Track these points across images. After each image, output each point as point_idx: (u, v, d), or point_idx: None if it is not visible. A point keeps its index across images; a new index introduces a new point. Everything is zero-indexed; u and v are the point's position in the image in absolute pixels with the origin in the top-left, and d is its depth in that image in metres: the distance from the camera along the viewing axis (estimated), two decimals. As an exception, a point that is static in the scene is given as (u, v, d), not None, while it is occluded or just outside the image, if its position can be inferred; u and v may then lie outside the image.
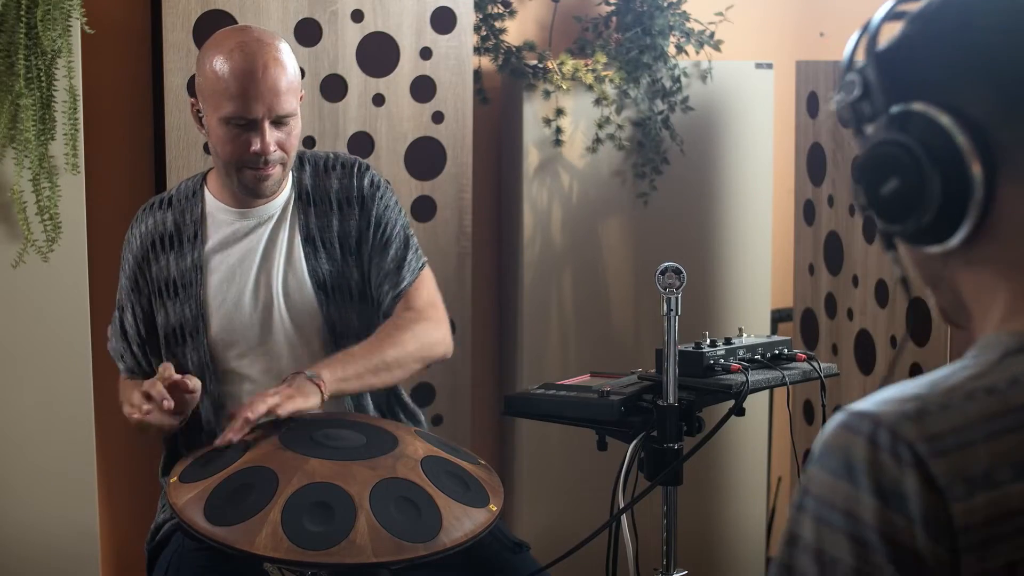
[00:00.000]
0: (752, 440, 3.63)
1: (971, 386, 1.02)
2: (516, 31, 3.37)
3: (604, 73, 3.29)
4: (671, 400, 2.14)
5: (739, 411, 2.17)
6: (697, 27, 3.45)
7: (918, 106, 1.08)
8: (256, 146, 2.24)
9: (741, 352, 2.30)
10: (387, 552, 1.87)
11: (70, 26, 2.59)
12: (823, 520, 1.00)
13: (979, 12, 1.09)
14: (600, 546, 2.16)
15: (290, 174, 2.38)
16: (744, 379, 2.19)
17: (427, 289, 2.44)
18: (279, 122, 2.25)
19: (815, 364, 2.33)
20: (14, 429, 2.69)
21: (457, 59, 3.15)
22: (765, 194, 3.60)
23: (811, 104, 3.41)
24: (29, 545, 2.71)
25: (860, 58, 1.16)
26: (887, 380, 1.11)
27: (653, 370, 2.29)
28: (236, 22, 2.88)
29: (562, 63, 3.24)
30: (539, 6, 3.44)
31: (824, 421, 2.22)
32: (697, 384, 2.22)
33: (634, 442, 2.16)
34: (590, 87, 3.28)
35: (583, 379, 2.43)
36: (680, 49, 3.43)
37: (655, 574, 2.24)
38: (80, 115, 2.62)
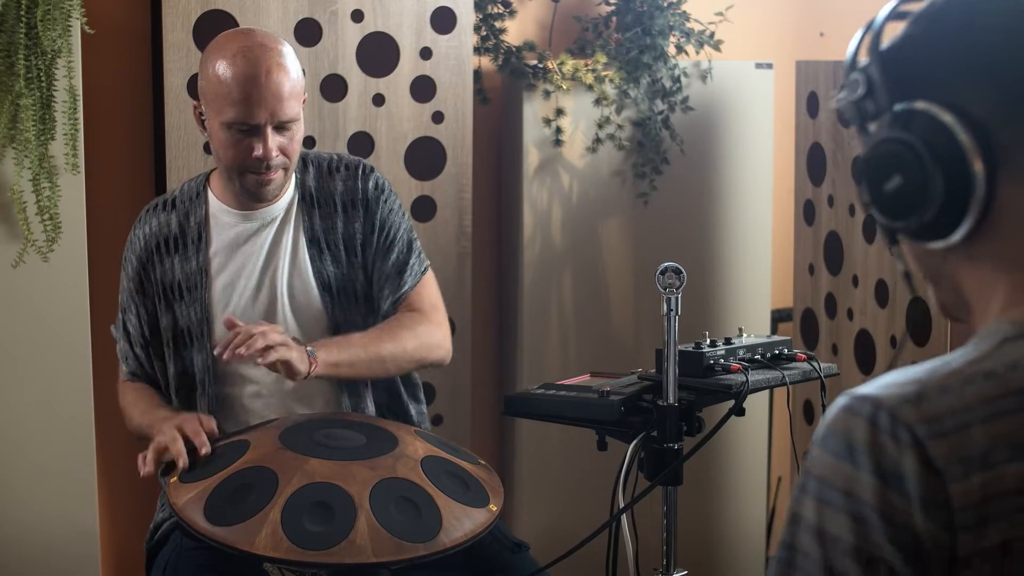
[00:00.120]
0: (752, 440, 3.63)
1: (970, 370, 1.04)
2: (516, 31, 3.37)
3: (604, 73, 3.29)
4: (671, 400, 2.14)
5: (739, 411, 2.17)
6: (697, 27, 3.45)
7: (921, 105, 1.10)
8: (258, 151, 2.23)
9: (741, 352, 2.30)
10: (387, 552, 1.87)
11: (70, 26, 2.59)
12: (824, 500, 1.03)
13: (981, 12, 1.10)
14: (600, 546, 2.16)
15: (293, 175, 2.38)
16: (744, 379, 2.19)
17: (429, 292, 2.44)
18: (281, 127, 2.25)
19: (815, 364, 2.33)
20: (14, 429, 2.69)
21: (457, 59, 3.15)
22: (765, 194, 3.60)
23: (811, 104, 3.41)
24: (29, 545, 2.71)
25: (863, 57, 1.16)
26: None
27: (653, 370, 2.29)
28: (236, 22, 2.88)
29: (562, 63, 3.24)
30: (539, 6, 3.44)
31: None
32: (697, 384, 2.22)
33: (634, 442, 2.16)
34: (590, 87, 3.28)
35: (583, 379, 2.43)
36: (680, 49, 3.43)
37: (655, 574, 2.24)
38: (80, 115, 2.62)
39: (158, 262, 2.37)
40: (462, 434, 3.21)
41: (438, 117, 3.15)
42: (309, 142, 3.00)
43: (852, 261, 3.27)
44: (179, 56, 2.87)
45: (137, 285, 2.38)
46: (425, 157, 3.15)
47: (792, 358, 2.35)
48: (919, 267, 1.19)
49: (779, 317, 3.78)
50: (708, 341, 2.30)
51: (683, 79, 3.41)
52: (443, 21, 3.12)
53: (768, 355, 2.33)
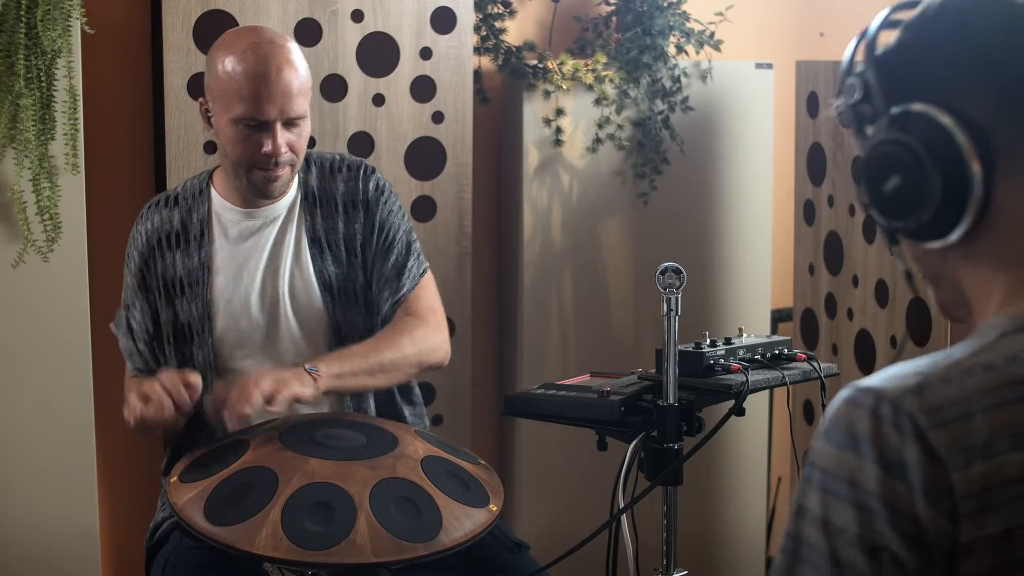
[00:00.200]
0: (752, 440, 3.63)
1: (970, 362, 1.06)
2: (516, 31, 3.37)
3: (604, 73, 3.29)
4: (671, 400, 2.14)
5: (739, 411, 2.17)
6: (697, 27, 3.45)
7: (919, 107, 1.11)
8: (267, 147, 2.24)
9: (741, 352, 2.30)
10: (387, 552, 1.87)
11: (70, 26, 2.59)
12: (828, 491, 1.05)
13: (978, 14, 1.12)
14: (600, 546, 2.16)
15: (296, 174, 2.38)
16: (744, 379, 2.19)
17: (427, 295, 2.44)
18: (290, 124, 2.25)
19: (815, 364, 2.33)
20: (14, 429, 2.69)
21: (457, 59, 3.15)
22: (765, 194, 3.60)
23: (811, 104, 3.41)
24: (29, 545, 2.71)
25: (860, 61, 1.17)
26: None
27: (653, 370, 2.29)
28: (236, 22, 2.88)
29: (562, 63, 3.24)
30: (539, 6, 3.44)
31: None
32: (697, 384, 2.22)
33: (634, 442, 2.16)
34: (590, 87, 3.28)
35: (583, 379, 2.43)
36: (680, 49, 3.43)
37: (655, 574, 2.24)
38: (80, 115, 2.62)
39: (160, 257, 2.37)
40: (462, 434, 3.21)
41: (438, 117, 3.15)
42: (309, 142, 3.00)
43: (852, 261, 3.27)
44: (179, 56, 2.87)
45: (140, 280, 2.38)
46: (425, 157, 3.15)
47: (792, 358, 2.35)
48: (918, 267, 1.21)
49: (779, 317, 3.78)
50: (708, 341, 2.30)
51: (683, 79, 3.41)
52: (443, 21, 3.12)
53: (768, 355, 2.33)
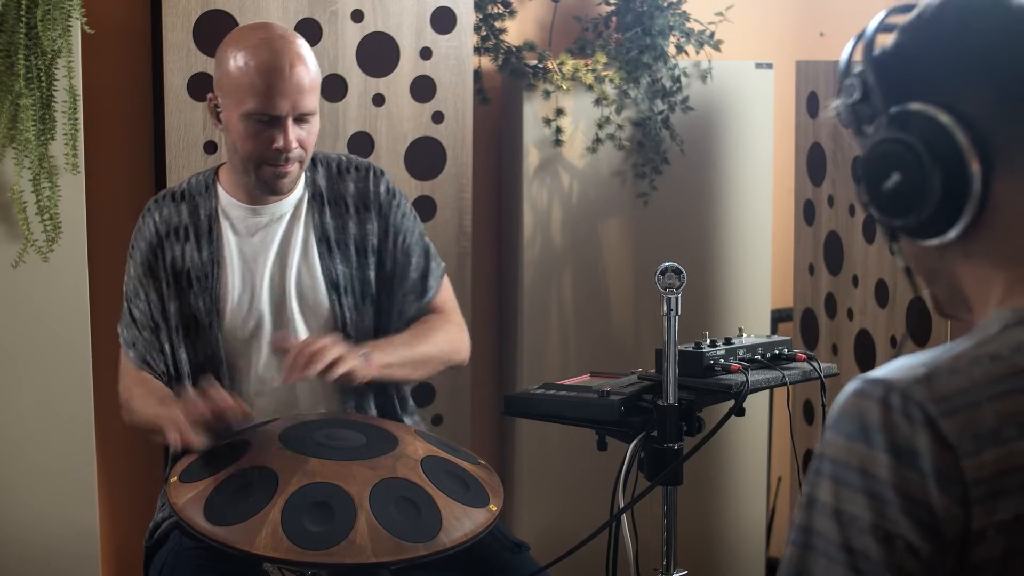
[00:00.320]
0: (752, 440, 3.63)
1: (976, 353, 1.07)
2: (516, 31, 3.37)
3: (604, 73, 3.29)
4: (671, 400, 2.14)
5: (739, 411, 2.16)
6: (697, 27, 3.45)
7: (918, 106, 1.12)
8: (279, 143, 2.24)
9: (741, 352, 2.30)
10: (387, 552, 1.87)
11: (70, 26, 2.59)
12: (840, 480, 1.06)
13: (977, 15, 1.13)
14: (600, 546, 2.16)
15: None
16: (744, 379, 2.19)
17: (450, 295, 2.53)
18: (301, 119, 2.25)
19: (815, 364, 2.33)
20: (14, 429, 2.69)
21: (457, 59, 3.15)
22: (765, 194, 3.60)
23: (811, 104, 3.41)
24: (29, 545, 2.71)
25: (857, 61, 1.18)
26: None
27: (653, 370, 2.29)
28: (236, 22, 2.88)
29: (562, 63, 3.24)
30: (539, 6, 3.44)
31: (824, 421, 2.23)
32: (697, 384, 2.22)
33: (634, 442, 2.16)
34: (590, 87, 3.28)
35: (583, 379, 2.43)
36: (680, 49, 3.43)
37: (655, 574, 2.24)
38: (80, 115, 2.62)
39: (168, 248, 2.35)
40: (462, 434, 3.21)
41: (438, 117, 3.15)
42: (309, 142, 3.00)
43: (852, 261, 3.27)
44: (179, 56, 2.87)
45: (146, 269, 2.35)
46: (425, 157, 3.15)
47: (792, 358, 2.35)
48: (915, 264, 1.22)
49: (779, 317, 3.78)
50: (708, 341, 2.30)
51: (683, 79, 3.41)
52: (443, 21, 3.12)
53: (768, 355, 2.33)
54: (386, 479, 1.98)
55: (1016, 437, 1.03)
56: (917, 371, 1.06)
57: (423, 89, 3.12)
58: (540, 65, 3.25)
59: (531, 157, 3.30)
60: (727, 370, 2.24)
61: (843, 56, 1.21)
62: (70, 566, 2.75)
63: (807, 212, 3.47)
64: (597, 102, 3.31)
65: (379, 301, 2.41)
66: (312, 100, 2.26)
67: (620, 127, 3.35)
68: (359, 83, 3.05)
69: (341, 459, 2.02)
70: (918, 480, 1.02)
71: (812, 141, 3.42)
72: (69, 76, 2.60)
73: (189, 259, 2.34)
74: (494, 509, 2.04)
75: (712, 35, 3.45)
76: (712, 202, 3.55)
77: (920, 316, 2.96)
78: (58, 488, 2.73)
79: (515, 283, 3.37)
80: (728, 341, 2.33)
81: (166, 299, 2.34)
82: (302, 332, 2.35)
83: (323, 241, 2.37)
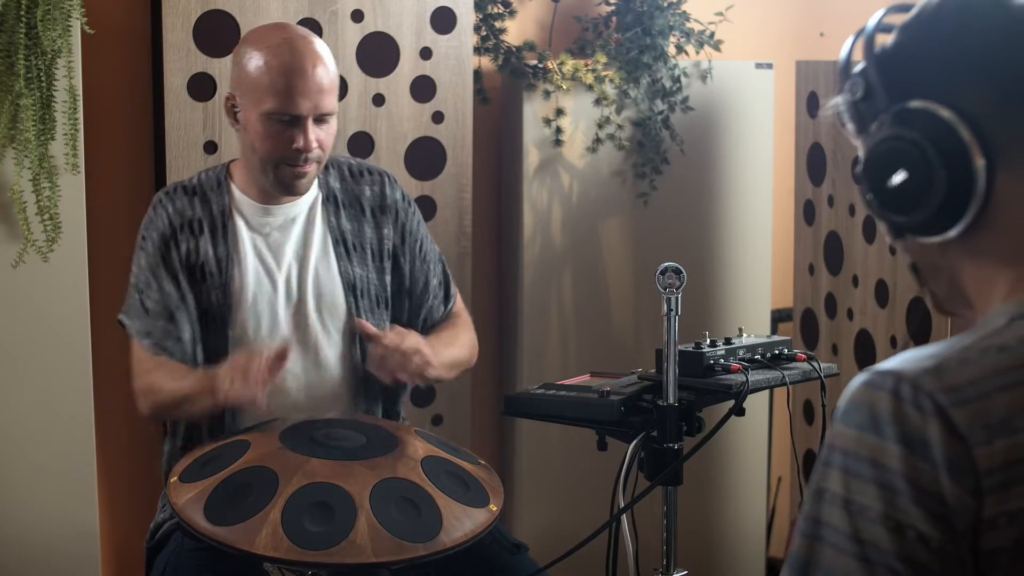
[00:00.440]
0: (752, 440, 3.63)
1: (983, 344, 1.08)
2: (516, 31, 3.37)
3: (604, 73, 3.29)
4: (671, 400, 2.14)
5: (739, 411, 2.17)
6: (697, 27, 3.45)
7: (922, 103, 1.13)
8: (299, 143, 2.24)
9: (741, 352, 2.30)
10: (387, 552, 1.87)
11: (70, 26, 2.59)
12: (850, 471, 1.06)
13: (976, 15, 1.13)
14: (600, 546, 2.16)
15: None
16: (744, 379, 2.19)
17: (461, 300, 2.59)
18: (320, 120, 2.26)
19: (815, 364, 2.33)
20: (14, 429, 2.69)
21: (457, 59, 3.15)
22: (765, 194, 3.60)
23: (811, 104, 3.41)
24: (29, 545, 2.71)
25: (858, 61, 1.19)
26: None
27: (653, 370, 2.29)
28: (236, 22, 2.88)
29: (562, 63, 3.24)
30: (539, 6, 3.44)
31: (824, 421, 2.23)
32: (697, 384, 2.22)
33: (634, 442, 2.16)
34: (590, 87, 3.28)
35: (583, 379, 2.43)
36: (680, 49, 3.43)
37: (655, 574, 2.24)
38: (80, 115, 2.62)
39: (183, 240, 2.32)
40: (462, 434, 3.21)
41: (438, 117, 3.15)
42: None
43: (852, 261, 3.27)
44: (179, 56, 2.87)
45: (159, 259, 2.31)
46: (425, 157, 3.15)
47: (792, 358, 2.35)
48: (915, 261, 1.22)
49: (779, 317, 3.78)
50: (708, 341, 2.30)
51: (683, 79, 3.41)
52: (443, 21, 3.12)
53: (768, 355, 2.33)
54: (386, 479, 1.99)
55: None
56: (926, 362, 1.06)
57: (423, 89, 3.12)
58: (540, 65, 3.25)
59: (531, 157, 3.30)
60: (727, 370, 2.24)
61: (842, 53, 1.22)
62: (70, 566, 2.75)
63: (807, 212, 3.47)
64: (597, 102, 3.31)
65: (393, 305, 2.42)
66: (332, 100, 2.26)
67: (620, 127, 3.35)
68: (359, 83, 3.05)
69: (341, 459, 2.02)
70: (929, 470, 1.02)
71: (812, 141, 3.42)
72: (69, 76, 2.60)
73: (203, 253, 2.32)
74: (494, 509, 2.04)
75: (712, 35, 3.45)
76: (712, 202, 3.55)
77: (920, 316, 2.96)
78: (58, 488, 2.73)
79: (515, 283, 3.37)
80: (728, 341, 2.34)
81: (183, 290, 2.31)
82: (319, 333, 2.35)
83: (340, 243, 2.38)
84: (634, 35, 3.32)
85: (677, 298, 2.12)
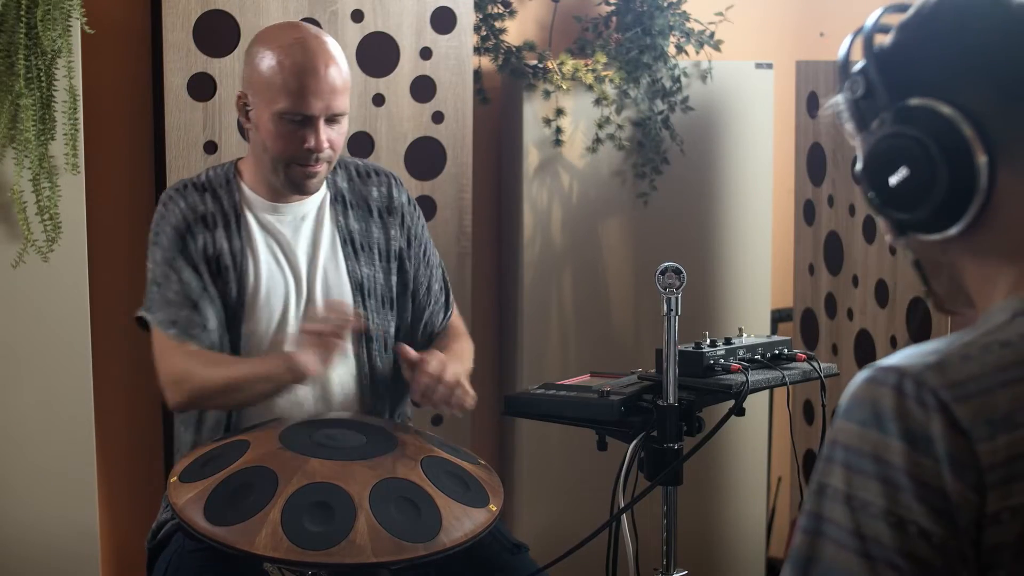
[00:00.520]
0: (752, 440, 3.63)
1: (986, 340, 1.08)
2: (516, 31, 3.37)
3: (604, 73, 3.29)
4: (671, 400, 2.14)
5: (739, 411, 2.17)
6: (697, 27, 3.45)
7: (923, 101, 1.13)
8: (310, 143, 2.24)
9: (741, 352, 2.30)
10: (387, 552, 1.87)
11: (70, 26, 2.59)
12: (853, 467, 1.06)
13: (975, 14, 1.14)
14: (600, 546, 2.16)
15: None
16: (744, 379, 2.19)
17: (456, 307, 2.59)
18: (332, 120, 2.26)
19: (815, 364, 2.33)
20: (14, 429, 2.69)
21: (457, 59, 3.15)
22: (765, 194, 3.60)
23: (811, 104, 3.41)
24: (29, 545, 2.71)
25: (857, 60, 1.19)
26: None
27: (653, 370, 2.29)
28: (236, 22, 2.89)
29: (562, 63, 3.24)
30: (539, 6, 3.44)
31: (824, 421, 2.23)
32: (697, 384, 2.22)
33: (634, 442, 2.16)
34: (590, 87, 3.28)
35: (583, 379, 2.43)
36: (680, 49, 3.43)
37: (655, 574, 2.24)
38: (80, 115, 2.62)
39: (198, 233, 2.30)
40: (462, 434, 3.21)
41: (438, 117, 3.15)
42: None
43: (852, 261, 3.27)
44: (179, 56, 2.87)
45: (176, 252, 2.29)
46: (425, 157, 3.15)
47: (792, 358, 2.35)
48: (917, 259, 1.22)
49: (779, 317, 3.78)
50: (708, 341, 2.30)
51: (683, 79, 3.41)
52: (443, 21, 3.12)
53: (768, 355, 2.33)
54: (386, 479, 1.99)
55: None
56: (929, 358, 1.06)
57: (423, 89, 3.12)
58: (540, 65, 3.25)
59: (531, 157, 3.30)
60: (727, 370, 2.24)
61: (841, 52, 1.22)
62: (70, 566, 2.75)
63: (807, 212, 3.47)
64: (597, 102, 3.31)
65: (395, 305, 2.43)
66: (344, 101, 2.26)
67: (620, 127, 3.35)
68: (359, 83, 3.05)
69: (341, 459, 2.02)
70: (932, 466, 1.02)
71: (812, 141, 3.42)
72: (69, 76, 2.60)
73: (219, 246, 2.30)
74: (494, 509, 2.04)
75: (712, 35, 3.45)
76: (712, 202, 3.55)
77: (920, 316, 2.96)
78: (58, 488, 2.73)
79: (515, 283, 3.37)
80: (728, 341, 2.34)
81: (205, 281, 2.29)
82: None
83: (348, 243, 2.38)
84: (634, 35, 3.32)
85: (677, 298, 2.12)
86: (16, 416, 2.69)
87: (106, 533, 2.99)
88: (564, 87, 3.24)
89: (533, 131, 3.29)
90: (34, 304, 2.68)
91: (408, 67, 3.10)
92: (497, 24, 3.30)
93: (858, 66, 1.18)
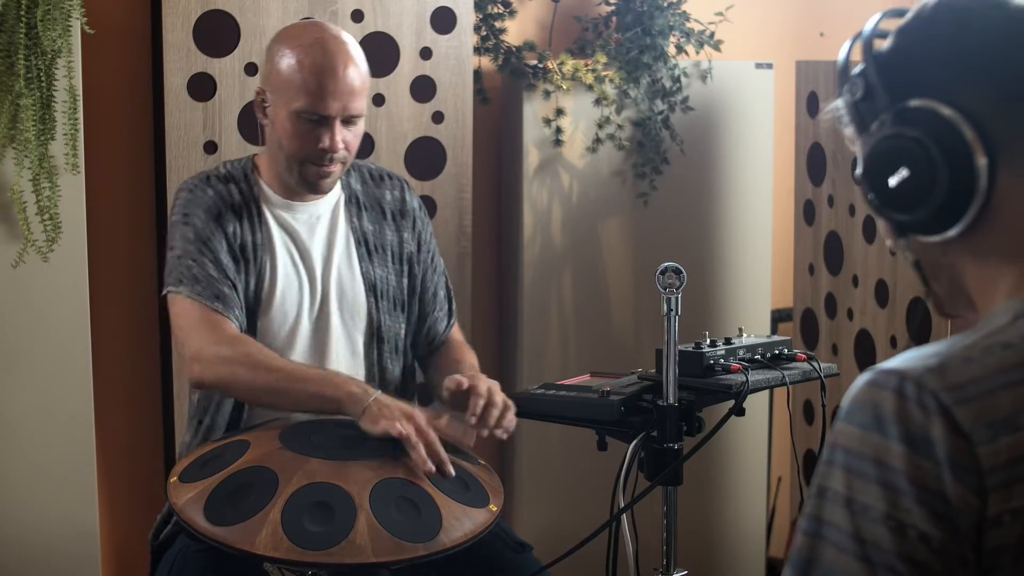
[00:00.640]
0: (752, 440, 3.63)
1: (987, 342, 1.07)
2: (516, 31, 3.37)
3: (604, 73, 3.29)
4: (671, 400, 2.14)
5: (739, 411, 2.17)
6: (697, 27, 3.45)
7: (924, 102, 1.13)
8: (325, 143, 2.24)
9: (741, 352, 2.30)
10: (387, 552, 1.87)
11: (70, 26, 2.59)
12: (853, 470, 1.05)
13: (975, 16, 1.14)
14: (600, 546, 2.16)
15: None
16: (744, 379, 2.19)
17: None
18: (348, 121, 2.26)
19: (815, 364, 2.33)
20: (14, 429, 2.69)
21: (457, 59, 3.15)
22: (765, 194, 3.60)
23: (811, 104, 3.41)
24: (29, 545, 2.71)
25: (857, 63, 1.19)
26: None
27: (653, 370, 2.29)
28: (236, 22, 2.88)
29: (562, 63, 3.24)
30: (539, 6, 3.44)
31: (824, 421, 2.23)
32: (697, 384, 2.22)
33: (634, 442, 2.17)
34: (590, 87, 3.28)
35: (583, 379, 2.43)
36: (680, 49, 3.43)
37: (655, 574, 2.24)
38: (80, 115, 2.62)
39: (229, 221, 2.28)
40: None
41: (438, 117, 3.15)
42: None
43: (852, 261, 3.27)
44: (179, 56, 2.87)
45: (211, 232, 2.24)
46: (425, 157, 3.15)
47: (792, 358, 2.35)
48: (917, 259, 1.22)
49: (779, 317, 3.78)
50: (708, 341, 2.30)
51: (683, 79, 3.41)
52: (443, 21, 3.12)
53: (768, 355, 2.33)
54: (386, 479, 1.98)
55: None
56: (930, 361, 1.06)
57: (423, 89, 3.12)
58: (540, 65, 3.25)
59: (531, 157, 3.30)
60: (727, 370, 2.24)
61: (841, 55, 1.22)
62: (70, 566, 2.75)
63: (807, 212, 3.47)
64: (597, 102, 3.31)
65: (405, 307, 2.43)
66: (361, 103, 2.27)
67: (620, 127, 3.35)
68: (359, 83, 3.05)
69: (341, 459, 2.02)
70: (932, 469, 1.02)
71: (812, 141, 3.42)
72: (69, 76, 2.60)
73: (244, 237, 2.29)
74: (494, 509, 2.04)
75: (712, 35, 3.45)
76: (712, 202, 3.55)
77: (920, 316, 2.96)
78: (58, 488, 2.73)
79: (515, 283, 3.37)
80: (728, 341, 2.34)
81: (236, 270, 2.27)
82: (340, 332, 2.34)
83: (362, 244, 2.38)
84: (634, 35, 3.32)
85: (677, 298, 2.12)
86: (16, 416, 2.69)
87: (106, 533, 2.99)
88: (564, 87, 3.24)
89: (533, 131, 3.29)
90: (34, 304, 2.68)
91: (408, 67, 3.10)
92: (497, 24, 3.30)
93: (857, 69, 1.18)
